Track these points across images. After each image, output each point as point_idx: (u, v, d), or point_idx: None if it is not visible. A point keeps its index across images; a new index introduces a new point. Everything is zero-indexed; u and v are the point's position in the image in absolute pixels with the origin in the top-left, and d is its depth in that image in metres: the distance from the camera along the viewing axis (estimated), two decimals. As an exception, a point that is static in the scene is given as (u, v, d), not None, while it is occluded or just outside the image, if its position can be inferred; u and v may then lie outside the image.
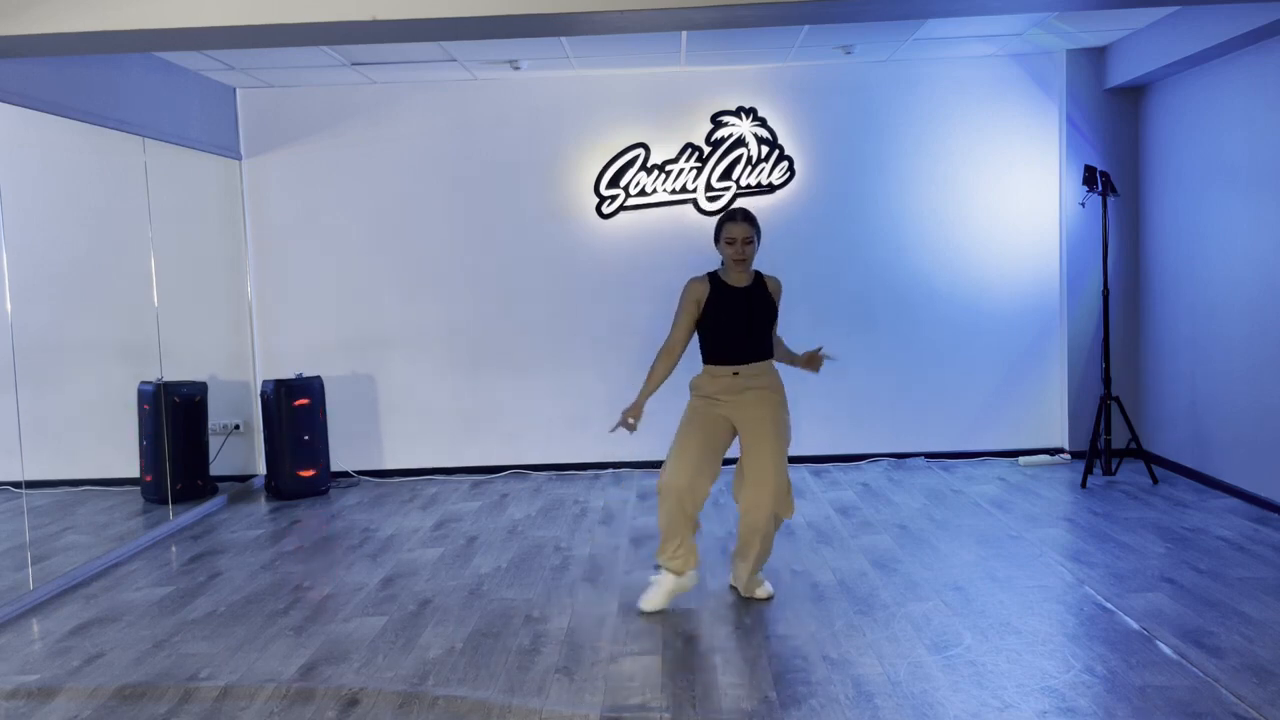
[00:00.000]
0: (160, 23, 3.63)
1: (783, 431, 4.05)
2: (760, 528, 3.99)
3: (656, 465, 6.19)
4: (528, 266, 6.76)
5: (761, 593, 4.17)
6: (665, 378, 4.08)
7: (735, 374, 4.03)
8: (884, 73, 6.59)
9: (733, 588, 4.29)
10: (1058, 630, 3.71)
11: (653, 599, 4.08)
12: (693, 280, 4.09)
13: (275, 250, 6.78)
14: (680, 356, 4.10)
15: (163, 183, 5.78)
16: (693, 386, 4.13)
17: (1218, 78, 5.55)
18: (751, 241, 4.01)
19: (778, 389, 4.11)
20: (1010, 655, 3.47)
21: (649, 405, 4.12)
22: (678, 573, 4.06)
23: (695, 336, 4.14)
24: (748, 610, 4.01)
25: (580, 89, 6.65)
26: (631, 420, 4.07)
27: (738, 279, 4.08)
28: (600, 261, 6.74)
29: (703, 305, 4.04)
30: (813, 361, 4.19)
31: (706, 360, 4.10)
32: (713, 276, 4.09)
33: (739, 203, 6.65)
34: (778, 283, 4.19)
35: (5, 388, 4.63)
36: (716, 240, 4.08)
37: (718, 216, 4.12)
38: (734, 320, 4.03)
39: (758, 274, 4.14)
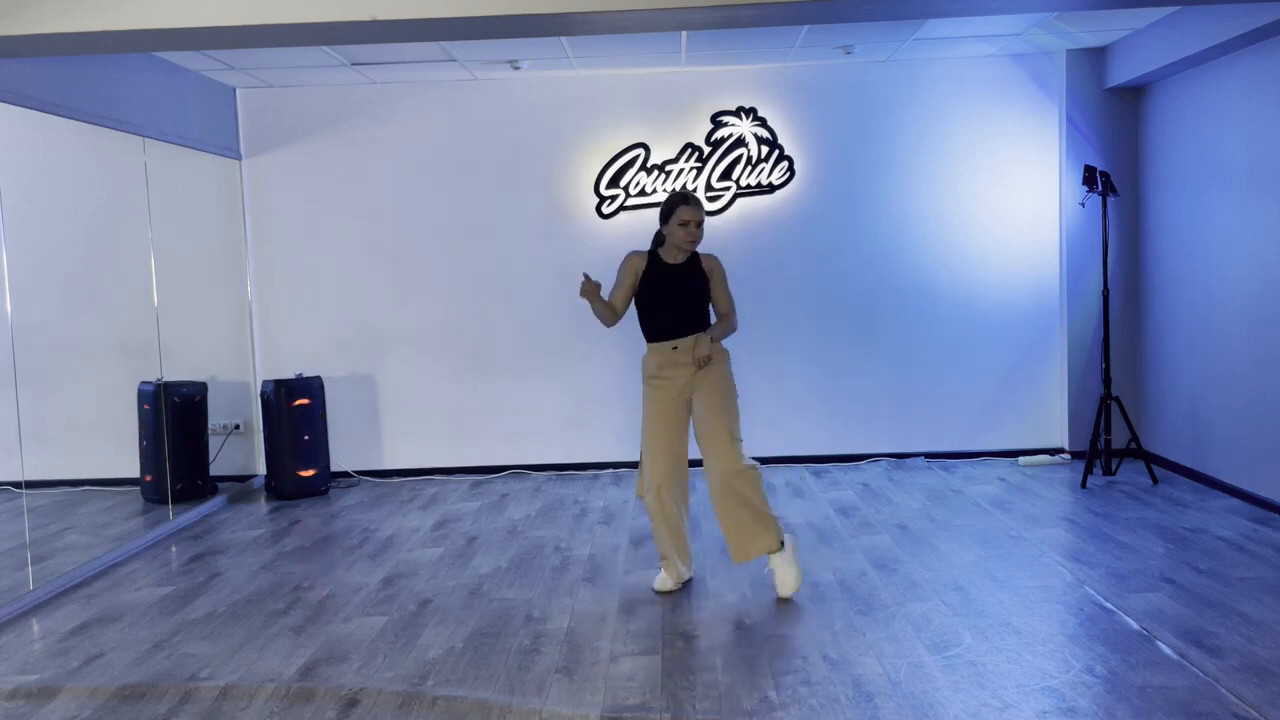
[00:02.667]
0: (160, 23, 3.63)
1: (727, 396, 4.16)
2: (720, 488, 4.06)
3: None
4: (528, 266, 6.76)
5: (781, 582, 4.11)
6: (604, 319, 4.24)
7: (674, 348, 4.16)
8: (884, 73, 6.59)
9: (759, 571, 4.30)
10: (1058, 630, 3.71)
11: (664, 581, 4.28)
12: (633, 252, 4.26)
13: (275, 250, 6.78)
14: (620, 317, 4.27)
15: (163, 183, 5.78)
16: (643, 370, 4.29)
17: (1218, 78, 5.55)
18: (701, 226, 4.15)
19: (720, 353, 4.22)
20: (1010, 655, 3.47)
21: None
22: (671, 574, 4.30)
23: (636, 317, 4.32)
24: (748, 610, 4.01)
25: (580, 89, 6.65)
26: (587, 284, 4.19)
27: (674, 257, 4.19)
28: (600, 261, 6.64)
29: (639, 277, 4.18)
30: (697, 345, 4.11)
31: (647, 338, 4.25)
32: (652, 253, 4.23)
33: (739, 202, 6.65)
34: (714, 259, 4.27)
35: (5, 388, 4.62)
36: (667, 219, 4.13)
37: (672, 194, 4.24)
38: (667, 295, 4.16)
39: (693, 253, 4.25)
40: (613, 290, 4.27)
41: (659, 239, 4.26)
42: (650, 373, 4.23)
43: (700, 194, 6.63)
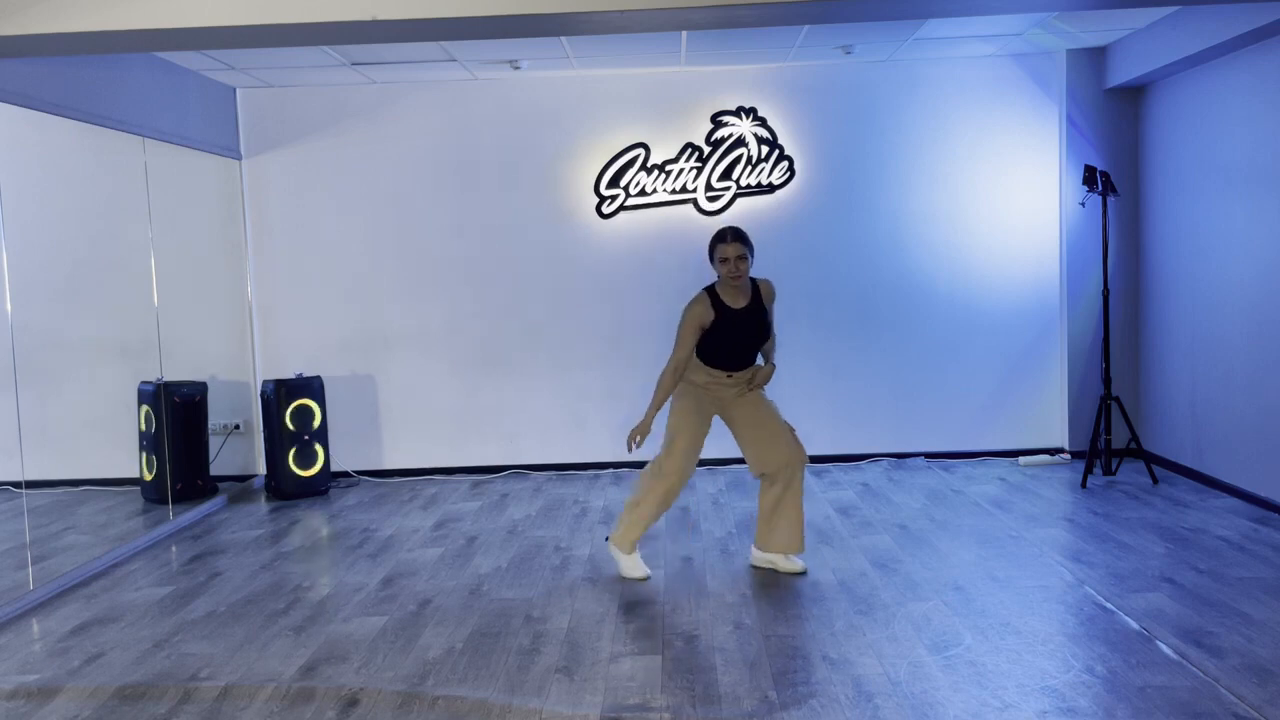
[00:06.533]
0: (160, 23, 3.63)
1: (768, 399, 4.46)
2: (795, 474, 4.37)
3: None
4: (528, 266, 6.76)
5: (788, 566, 4.42)
6: (672, 392, 4.34)
7: (730, 376, 4.34)
8: (884, 73, 6.59)
9: (756, 568, 4.54)
10: (1058, 630, 3.71)
11: (635, 566, 4.48)
12: (695, 303, 4.29)
13: (275, 250, 6.78)
14: (685, 371, 4.35)
15: (163, 183, 5.78)
16: (692, 380, 4.40)
17: (1218, 78, 5.55)
18: (745, 258, 4.24)
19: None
20: (1010, 655, 3.47)
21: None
22: (628, 553, 4.49)
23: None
24: (748, 610, 4.01)
25: (580, 89, 6.65)
26: (640, 439, 4.28)
27: (735, 299, 4.29)
28: (600, 261, 6.73)
29: (707, 327, 4.26)
30: (755, 378, 4.38)
31: (703, 360, 4.36)
32: (713, 297, 4.29)
33: (739, 202, 6.65)
34: (770, 287, 4.41)
35: (5, 388, 4.63)
36: (711, 259, 4.31)
37: (714, 232, 4.35)
38: (734, 341, 4.31)
39: (753, 283, 4.35)
40: (679, 341, 4.26)
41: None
42: (700, 383, 4.38)
43: (700, 194, 6.63)
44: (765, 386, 4.42)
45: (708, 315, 4.24)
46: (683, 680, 3.37)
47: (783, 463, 4.36)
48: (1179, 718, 2.98)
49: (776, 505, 4.40)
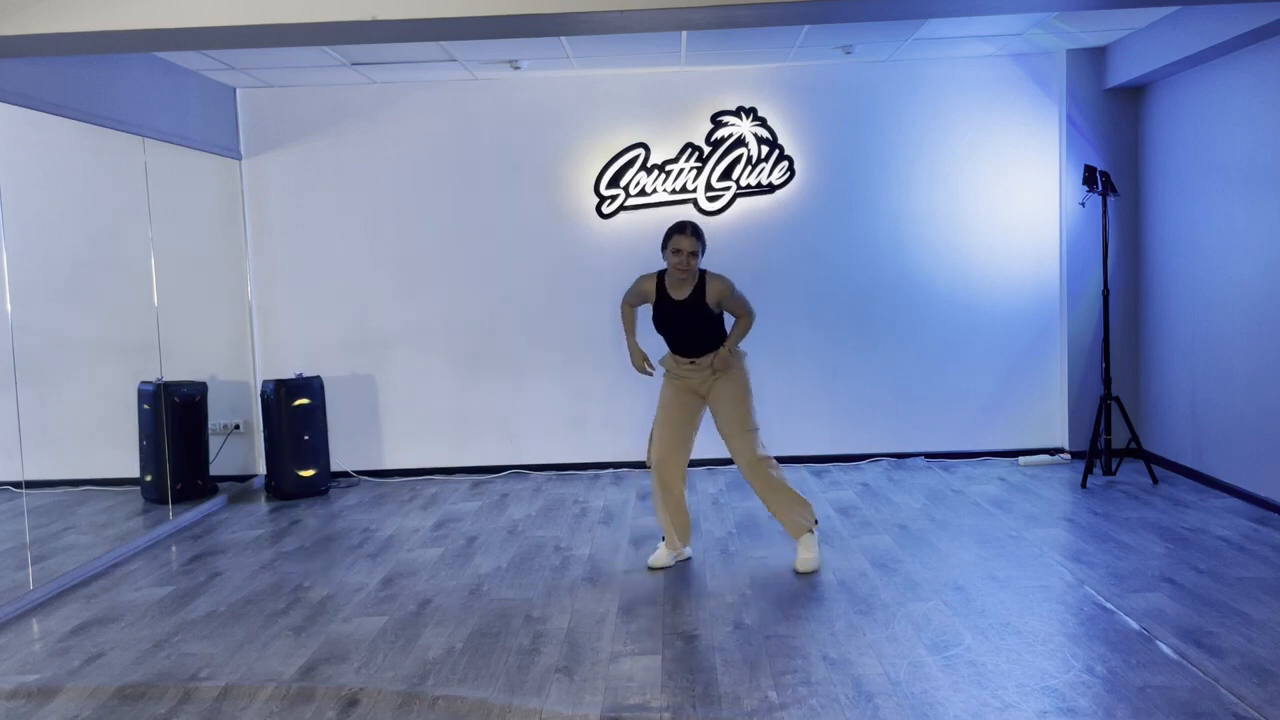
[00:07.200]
0: (160, 23, 3.63)
1: (740, 393, 4.44)
2: (752, 474, 4.43)
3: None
4: (528, 266, 6.76)
5: (799, 564, 4.45)
6: (634, 317, 4.64)
7: (693, 363, 4.44)
8: (884, 73, 6.59)
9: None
10: (1058, 630, 3.71)
11: (659, 557, 4.60)
12: (646, 276, 4.51)
13: (275, 250, 6.78)
14: (636, 306, 4.63)
15: (163, 183, 5.78)
16: (663, 364, 4.58)
17: (1218, 78, 5.55)
18: (696, 254, 4.33)
19: (737, 355, 4.49)
20: (1010, 655, 3.47)
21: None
22: (670, 549, 4.63)
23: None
24: (748, 610, 4.01)
25: (580, 89, 6.65)
26: (648, 367, 4.56)
27: (677, 290, 4.40)
28: (600, 261, 6.73)
29: (650, 304, 4.46)
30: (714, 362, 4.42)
31: (669, 348, 4.51)
32: (660, 281, 4.44)
33: (739, 202, 6.65)
34: (721, 284, 4.41)
35: (5, 388, 4.63)
36: (664, 248, 4.37)
37: (673, 223, 4.42)
38: (674, 328, 4.43)
39: (702, 277, 4.39)
40: (626, 294, 4.60)
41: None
42: (669, 370, 4.55)
43: (700, 194, 6.64)
44: (741, 374, 4.45)
45: (650, 294, 4.44)
46: (683, 680, 3.37)
47: (734, 458, 4.47)
48: (1179, 718, 2.98)
49: (760, 498, 4.53)
